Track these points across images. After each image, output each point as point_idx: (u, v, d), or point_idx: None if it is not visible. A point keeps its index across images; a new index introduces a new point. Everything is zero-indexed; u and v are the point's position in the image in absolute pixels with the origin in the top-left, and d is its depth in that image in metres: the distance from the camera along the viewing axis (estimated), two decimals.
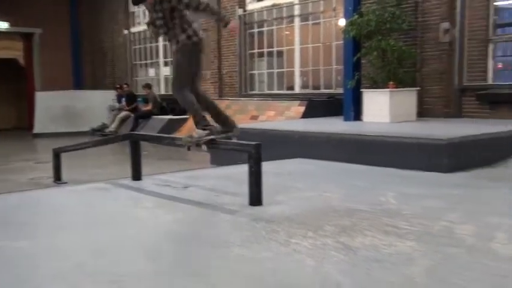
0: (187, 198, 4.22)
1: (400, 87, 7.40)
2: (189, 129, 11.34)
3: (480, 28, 7.62)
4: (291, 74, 10.67)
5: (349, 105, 7.85)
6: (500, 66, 8.82)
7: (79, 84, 16.80)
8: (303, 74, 10.47)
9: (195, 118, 4.40)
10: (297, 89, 10.54)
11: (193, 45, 4.38)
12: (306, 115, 8.76)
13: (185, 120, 11.80)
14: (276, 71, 11.10)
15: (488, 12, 7.54)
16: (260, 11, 11.24)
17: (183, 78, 4.41)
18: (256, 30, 11.44)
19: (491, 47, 7.54)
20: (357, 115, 7.71)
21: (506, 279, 2.39)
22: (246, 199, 3.86)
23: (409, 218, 3.43)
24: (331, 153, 5.94)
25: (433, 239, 2.98)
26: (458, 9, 7.67)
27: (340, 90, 8.28)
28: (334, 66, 9.62)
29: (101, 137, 11.56)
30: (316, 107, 8.97)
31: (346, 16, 7.84)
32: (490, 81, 7.52)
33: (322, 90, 9.94)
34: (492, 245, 2.85)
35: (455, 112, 7.73)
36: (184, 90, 4.36)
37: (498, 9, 7.82)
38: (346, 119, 7.82)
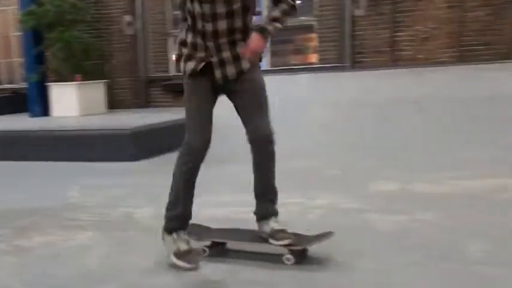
0: None
1: (88, 80, 7.34)
2: None
3: (160, 22, 8.11)
4: None
5: (34, 101, 7.44)
6: None
7: None
8: None
9: None
10: None
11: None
12: None
13: None
14: None
15: (165, 7, 8.07)
16: None
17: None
18: None
19: (170, 40, 8.10)
20: (45, 110, 7.37)
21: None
22: None
23: (91, 209, 3.47)
24: (15, 152, 5.57)
25: (111, 226, 3.08)
26: (139, 3, 8.00)
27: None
28: (17, 59, 8.97)
29: None
30: None
31: (22, 6, 7.35)
32: (171, 73, 8.08)
33: (5, 86, 9.19)
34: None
35: (143, 102, 8.09)
36: None
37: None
38: (32, 115, 7.40)
